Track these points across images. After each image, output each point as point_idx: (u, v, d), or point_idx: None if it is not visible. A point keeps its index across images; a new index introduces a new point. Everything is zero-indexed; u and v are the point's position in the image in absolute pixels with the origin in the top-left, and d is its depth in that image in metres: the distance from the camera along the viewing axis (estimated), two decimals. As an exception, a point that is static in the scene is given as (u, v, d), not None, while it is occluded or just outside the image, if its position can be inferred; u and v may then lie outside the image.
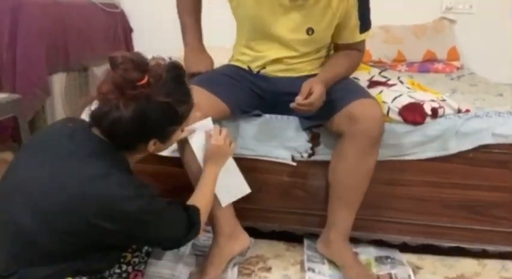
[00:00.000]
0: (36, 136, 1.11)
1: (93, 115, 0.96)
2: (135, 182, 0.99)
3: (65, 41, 2.43)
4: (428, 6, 2.90)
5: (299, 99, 1.32)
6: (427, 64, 2.76)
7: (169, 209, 1.06)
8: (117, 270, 1.14)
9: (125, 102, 0.92)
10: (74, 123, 1.05)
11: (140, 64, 0.94)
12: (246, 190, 1.40)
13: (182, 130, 1.12)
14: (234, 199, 1.39)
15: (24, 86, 2.21)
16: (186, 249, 1.58)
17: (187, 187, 1.35)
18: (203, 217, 1.17)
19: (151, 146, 1.03)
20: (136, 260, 1.18)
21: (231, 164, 1.37)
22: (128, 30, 3.17)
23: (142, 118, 0.94)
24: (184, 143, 1.33)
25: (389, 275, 1.51)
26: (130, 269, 1.16)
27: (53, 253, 0.95)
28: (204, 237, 1.64)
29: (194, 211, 1.15)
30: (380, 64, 2.61)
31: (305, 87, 1.34)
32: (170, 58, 1.83)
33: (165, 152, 1.43)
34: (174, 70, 1.00)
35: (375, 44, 2.71)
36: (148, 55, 1.79)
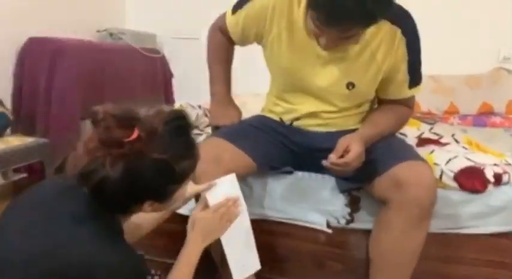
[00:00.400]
0: (26, 195, 0.99)
1: (80, 173, 0.83)
2: (124, 252, 0.86)
3: (102, 86, 2.44)
4: (483, 55, 2.71)
5: (333, 157, 1.16)
6: (482, 117, 2.54)
7: None
8: None
9: (112, 160, 0.79)
10: (65, 180, 0.92)
11: (126, 119, 0.81)
12: (258, 266, 1.22)
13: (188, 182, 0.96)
14: (247, 275, 1.20)
15: (57, 129, 2.21)
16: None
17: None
18: None
19: (147, 207, 0.89)
20: None
21: (250, 234, 1.19)
22: (168, 76, 3.17)
23: (133, 178, 0.81)
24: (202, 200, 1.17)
25: None
26: None
27: None
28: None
29: None
30: (430, 116, 2.42)
31: (341, 144, 1.18)
32: (200, 106, 1.76)
33: (183, 210, 1.28)
34: (174, 121, 0.86)
35: (423, 94, 2.51)
36: (187, 100, 1.73)
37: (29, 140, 1.94)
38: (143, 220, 1.19)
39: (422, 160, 1.24)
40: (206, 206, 1.14)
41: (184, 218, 1.30)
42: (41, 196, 0.92)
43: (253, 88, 2.00)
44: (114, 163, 0.79)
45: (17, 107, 2.25)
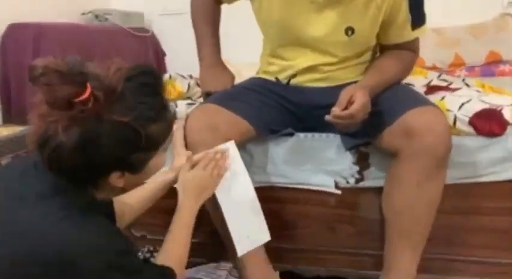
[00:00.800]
0: None
1: (36, 143, 0.74)
2: (101, 230, 0.76)
3: (89, 68, 2.33)
4: (486, 2, 2.58)
5: (336, 110, 1.06)
6: (490, 67, 2.45)
7: (146, 271, 0.83)
8: None
9: (65, 125, 0.69)
10: (26, 160, 0.84)
11: (73, 74, 0.68)
12: (266, 237, 1.14)
13: (165, 148, 0.86)
14: (253, 247, 1.13)
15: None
16: (213, 301, 1.31)
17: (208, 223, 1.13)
18: (179, 277, 0.93)
19: (117, 179, 0.79)
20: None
21: (255, 203, 1.11)
22: (160, 55, 3.08)
23: (90, 145, 0.71)
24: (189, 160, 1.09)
25: None
26: None
27: None
28: (234, 286, 1.37)
29: (169, 275, 0.89)
30: (435, 71, 2.31)
31: (344, 96, 1.09)
32: (191, 76, 1.66)
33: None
34: (139, 77, 0.75)
35: (427, 48, 2.40)
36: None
37: (20, 129, 1.86)
38: (136, 200, 1.10)
39: (434, 105, 1.15)
40: (193, 165, 1.06)
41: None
42: (3, 179, 0.83)
43: (248, 58, 1.90)
44: (68, 128, 0.69)
45: (5, 97, 2.17)
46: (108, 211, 1.02)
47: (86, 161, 0.72)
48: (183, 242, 0.99)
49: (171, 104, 1.38)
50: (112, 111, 0.70)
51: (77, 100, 0.68)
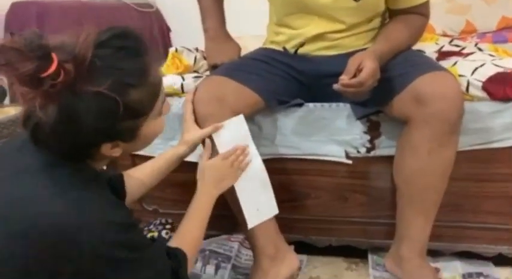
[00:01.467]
0: None
1: (21, 122, 0.71)
2: (101, 204, 0.74)
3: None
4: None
5: (344, 78, 1.04)
6: (503, 33, 2.34)
7: (151, 248, 0.80)
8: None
9: (41, 102, 0.66)
10: (24, 136, 0.79)
11: (31, 49, 0.64)
12: (275, 210, 1.14)
13: (160, 114, 0.81)
14: (263, 220, 1.13)
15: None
16: (225, 273, 1.32)
17: (220, 196, 1.10)
18: (190, 264, 0.91)
19: (110, 150, 0.76)
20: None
21: (264, 177, 1.11)
22: (165, 30, 3.04)
23: (70, 120, 0.67)
24: (211, 146, 1.09)
25: (485, 298, 1.17)
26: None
27: None
28: (246, 257, 1.38)
29: (180, 260, 0.87)
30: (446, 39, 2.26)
31: (352, 63, 1.06)
32: (197, 49, 1.63)
33: (191, 158, 1.19)
34: (111, 41, 0.70)
35: (436, 16, 2.35)
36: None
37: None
38: (145, 174, 1.10)
39: (445, 70, 1.12)
40: (212, 152, 1.06)
41: (194, 166, 1.21)
42: (1, 154, 0.81)
43: (254, 31, 1.86)
44: (44, 106, 0.65)
45: (12, 76, 2.17)
46: (116, 185, 1.02)
47: (70, 137, 0.69)
48: (198, 228, 0.98)
49: (177, 76, 1.37)
50: (85, 82, 0.66)
51: (44, 75, 0.64)
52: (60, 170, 0.73)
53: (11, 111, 1.85)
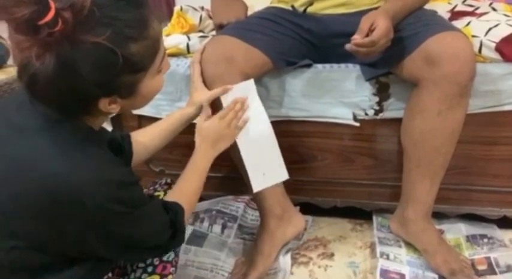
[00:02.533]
0: None
1: (17, 74, 0.69)
2: (99, 162, 0.73)
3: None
4: None
5: (357, 38, 1.01)
6: (517, -7, 2.29)
7: (150, 204, 0.81)
8: (141, 264, 0.94)
9: (38, 51, 0.63)
10: (23, 93, 0.76)
11: None
12: (284, 175, 1.12)
13: (160, 71, 0.79)
14: (269, 184, 1.12)
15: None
16: (231, 232, 1.35)
17: (228, 158, 1.12)
18: (186, 218, 0.92)
19: (108, 106, 0.74)
20: (163, 249, 0.97)
21: (272, 142, 1.10)
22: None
23: (68, 71, 0.65)
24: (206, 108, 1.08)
25: (488, 259, 1.19)
26: (156, 261, 0.95)
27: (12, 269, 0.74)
28: (251, 217, 1.40)
29: (176, 212, 0.88)
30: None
31: (365, 22, 1.03)
32: (202, 8, 1.59)
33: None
34: None
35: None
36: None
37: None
38: (150, 137, 1.09)
39: (457, 30, 1.09)
40: (211, 113, 1.05)
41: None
42: (1, 111, 0.80)
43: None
44: (41, 55, 0.63)
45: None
46: (123, 145, 1.02)
47: (67, 89, 0.67)
48: (195, 185, 0.98)
49: (182, 36, 1.34)
50: (84, 31, 0.64)
51: (41, 22, 0.62)
52: (58, 130, 0.72)
53: (14, 71, 1.83)
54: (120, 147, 1.02)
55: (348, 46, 1.03)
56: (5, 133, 0.74)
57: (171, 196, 0.94)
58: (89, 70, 0.66)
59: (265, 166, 1.10)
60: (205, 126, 1.03)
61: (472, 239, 1.27)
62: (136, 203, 0.77)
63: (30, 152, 0.71)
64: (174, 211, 0.88)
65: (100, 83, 0.68)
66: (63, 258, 0.75)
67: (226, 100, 1.06)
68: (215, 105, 1.09)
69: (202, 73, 1.11)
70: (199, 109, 1.10)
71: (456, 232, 1.31)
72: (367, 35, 1.02)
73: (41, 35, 0.62)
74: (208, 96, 1.07)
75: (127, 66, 0.68)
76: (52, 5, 0.62)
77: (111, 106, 0.73)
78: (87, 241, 0.73)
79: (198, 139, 1.04)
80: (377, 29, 1.01)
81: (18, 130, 0.73)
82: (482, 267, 1.17)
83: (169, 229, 0.86)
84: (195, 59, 1.12)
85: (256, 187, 1.10)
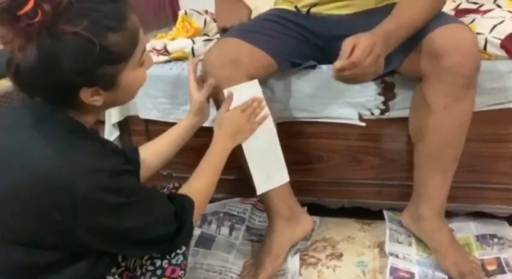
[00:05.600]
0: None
1: (5, 67, 0.72)
2: (90, 152, 0.75)
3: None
4: None
5: (336, 63, 0.95)
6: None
7: (147, 193, 0.81)
8: (150, 267, 0.93)
9: (21, 42, 0.67)
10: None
11: None
12: (285, 178, 1.13)
13: (142, 65, 0.81)
14: (272, 187, 1.13)
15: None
16: (239, 234, 1.35)
17: (235, 160, 1.12)
18: (198, 211, 0.92)
19: (90, 97, 0.75)
20: (173, 252, 0.97)
21: (275, 144, 1.11)
22: (172, -9, 2.95)
23: (49, 60, 0.68)
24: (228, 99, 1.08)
25: (498, 260, 1.18)
26: (165, 263, 0.95)
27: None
28: (259, 218, 1.40)
29: (183, 205, 0.88)
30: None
31: (345, 45, 0.95)
32: (207, 12, 1.60)
33: (206, 123, 1.19)
34: None
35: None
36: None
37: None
38: (161, 146, 1.10)
39: (460, 22, 1.08)
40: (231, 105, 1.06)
41: (208, 131, 1.22)
42: (7, 112, 0.85)
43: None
44: (23, 46, 0.66)
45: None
46: (131, 157, 1.03)
47: (49, 78, 0.70)
48: (210, 177, 0.99)
49: (187, 40, 1.35)
50: (62, 22, 0.67)
51: (20, 12, 0.64)
52: (45, 124, 0.75)
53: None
54: (129, 160, 1.03)
55: (332, 76, 0.98)
56: (5, 132, 0.77)
57: (185, 188, 0.95)
58: (68, 60, 0.68)
59: (269, 169, 1.11)
60: (226, 117, 1.05)
61: (482, 238, 1.26)
62: (130, 192, 0.77)
63: (17, 145, 0.73)
64: (180, 203, 0.88)
65: (79, 72, 0.70)
66: (63, 255, 0.76)
67: (229, 100, 1.07)
68: (219, 106, 1.09)
69: (206, 75, 1.12)
70: (201, 115, 1.11)
71: (466, 230, 1.30)
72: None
73: (20, 25, 0.65)
74: (203, 96, 1.08)
75: (106, 56, 0.71)
76: None
77: (93, 98, 0.75)
78: (78, 232, 0.73)
79: (217, 129, 1.05)
80: (357, 47, 0.94)
81: (7, 127, 0.77)
82: (492, 267, 1.17)
83: (174, 221, 0.85)
84: (190, 68, 1.12)
85: (260, 190, 1.11)
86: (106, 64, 0.72)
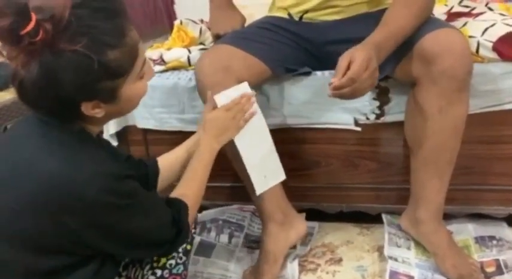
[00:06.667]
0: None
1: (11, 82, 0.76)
2: (91, 158, 0.78)
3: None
4: None
5: (334, 80, 0.94)
6: (516, -10, 2.28)
7: (149, 195, 0.84)
8: (151, 277, 0.95)
9: (23, 60, 0.70)
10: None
11: (9, 6, 0.67)
12: (282, 176, 1.14)
13: (142, 77, 0.83)
14: (269, 186, 1.14)
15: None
16: (239, 241, 1.35)
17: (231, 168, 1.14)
18: (191, 213, 0.94)
19: (91, 110, 0.78)
20: (173, 262, 0.98)
21: (269, 143, 1.12)
22: (169, 2, 2.98)
23: (50, 76, 0.70)
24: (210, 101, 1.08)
25: (497, 261, 1.18)
26: (166, 273, 0.96)
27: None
28: (259, 225, 1.41)
29: (179, 210, 0.91)
30: None
31: (341, 60, 0.95)
32: (202, 21, 1.62)
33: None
34: (89, 2, 0.73)
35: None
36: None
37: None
38: (170, 163, 1.11)
39: (450, 26, 1.09)
40: (215, 107, 1.06)
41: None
42: (17, 126, 0.87)
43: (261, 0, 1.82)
44: (26, 63, 0.69)
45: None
46: (151, 171, 1.06)
47: (50, 94, 0.72)
48: (199, 179, 1.00)
49: (183, 49, 1.36)
50: (63, 41, 0.69)
51: (22, 32, 0.67)
52: (52, 134, 0.77)
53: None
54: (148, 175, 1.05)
55: (329, 93, 0.97)
56: (5, 143, 0.81)
57: (177, 191, 0.96)
58: (68, 77, 0.71)
59: (266, 168, 1.11)
60: (209, 117, 1.05)
61: (480, 240, 1.26)
62: (133, 195, 0.80)
63: (28, 155, 0.76)
64: (176, 207, 0.90)
65: (79, 88, 0.73)
66: (68, 260, 0.78)
67: (219, 101, 1.07)
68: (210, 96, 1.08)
69: (199, 83, 1.13)
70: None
71: (465, 233, 1.30)
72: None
73: (23, 44, 0.67)
74: (209, 106, 1.08)
75: (105, 71, 0.73)
76: (33, 16, 0.67)
77: (94, 111, 0.78)
78: (87, 235, 0.77)
79: (201, 131, 1.06)
80: (354, 63, 0.93)
81: (18, 137, 0.80)
82: (491, 269, 1.17)
83: (172, 224, 0.88)
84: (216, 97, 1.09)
85: (259, 190, 1.11)
86: (106, 79, 0.74)
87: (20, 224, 0.76)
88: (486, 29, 1.16)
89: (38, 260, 0.78)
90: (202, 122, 1.06)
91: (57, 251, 0.78)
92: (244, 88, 1.09)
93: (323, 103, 1.27)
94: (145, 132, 1.41)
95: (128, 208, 0.79)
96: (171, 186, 1.03)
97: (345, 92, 0.95)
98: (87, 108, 0.76)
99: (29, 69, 0.69)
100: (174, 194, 0.96)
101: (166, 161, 1.10)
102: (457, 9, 1.37)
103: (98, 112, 0.78)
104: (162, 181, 1.09)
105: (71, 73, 0.70)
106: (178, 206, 0.91)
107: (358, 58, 0.94)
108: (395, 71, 1.13)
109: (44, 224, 0.75)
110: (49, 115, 0.78)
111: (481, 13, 1.28)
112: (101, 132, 1.48)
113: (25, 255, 0.77)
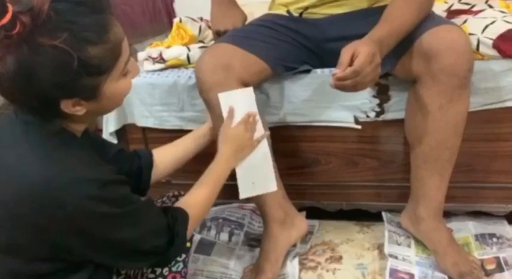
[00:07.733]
0: None
1: None
2: (81, 162, 0.75)
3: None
4: None
5: (338, 72, 0.94)
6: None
7: (139, 203, 0.81)
8: (151, 275, 0.95)
9: (0, 55, 0.67)
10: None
11: None
12: (274, 187, 1.13)
13: (125, 75, 0.80)
14: (255, 194, 1.13)
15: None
16: (239, 239, 1.35)
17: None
18: (194, 224, 0.93)
19: (71, 108, 0.74)
20: (173, 260, 0.98)
21: (266, 152, 1.10)
22: (168, 0, 2.97)
23: (28, 71, 0.67)
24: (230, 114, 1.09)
25: (497, 259, 1.18)
26: (166, 271, 0.96)
27: None
28: (259, 224, 1.41)
29: (177, 218, 0.88)
30: None
31: (345, 53, 0.96)
32: (201, 19, 1.61)
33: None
34: None
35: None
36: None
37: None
38: (171, 153, 1.12)
39: (451, 23, 1.09)
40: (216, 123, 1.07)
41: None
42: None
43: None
44: (2, 57, 0.66)
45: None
46: (145, 161, 1.06)
47: (28, 90, 0.69)
48: (209, 190, 0.99)
49: (182, 47, 1.36)
50: (41, 35, 0.66)
51: None
52: (36, 135, 0.75)
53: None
54: (134, 158, 1.05)
55: (331, 83, 0.97)
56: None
57: (184, 200, 0.95)
58: (46, 72, 0.67)
59: (255, 175, 1.10)
60: (232, 133, 1.05)
61: (481, 238, 1.26)
62: (121, 202, 0.77)
63: (7, 158, 0.74)
64: (174, 216, 0.88)
65: (58, 85, 0.69)
66: (60, 265, 0.77)
67: (225, 106, 1.07)
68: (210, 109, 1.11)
69: (199, 82, 1.13)
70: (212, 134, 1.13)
71: (465, 230, 1.30)
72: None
73: (0, 37, 0.64)
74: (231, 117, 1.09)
75: (86, 68, 0.69)
76: (10, 8, 0.64)
77: (75, 108, 0.74)
78: (72, 245, 0.74)
79: (222, 145, 1.05)
80: (359, 56, 0.93)
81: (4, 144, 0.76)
82: (491, 266, 1.17)
83: (165, 233, 0.85)
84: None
85: (243, 194, 1.10)
86: (86, 76, 0.71)
87: (5, 233, 0.74)
88: (486, 27, 1.15)
89: (28, 266, 0.76)
90: (224, 136, 1.05)
91: (45, 257, 0.76)
92: (249, 93, 1.09)
93: (323, 101, 1.27)
94: (145, 130, 1.41)
95: (115, 216, 0.76)
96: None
97: (347, 84, 0.95)
98: (67, 106, 0.73)
99: (5, 64, 0.66)
100: (182, 201, 0.95)
101: (163, 154, 1.10)
102: (457, 6, 1.37)
103: (79, 110, 0.75)
104: (158, 174, 1.09)
105: (49, 70, 0.67)
106: (176, 215, 0.88)
107: (363, 52, 0.94)
108: (395, 68, 1.13)
109: (28, 233, 0.73)
110: (29, 112, 0.75)
111: (481, 10, 1.28)
112: (99, 130, 1.47)
113: (12, 261, 0.76)
